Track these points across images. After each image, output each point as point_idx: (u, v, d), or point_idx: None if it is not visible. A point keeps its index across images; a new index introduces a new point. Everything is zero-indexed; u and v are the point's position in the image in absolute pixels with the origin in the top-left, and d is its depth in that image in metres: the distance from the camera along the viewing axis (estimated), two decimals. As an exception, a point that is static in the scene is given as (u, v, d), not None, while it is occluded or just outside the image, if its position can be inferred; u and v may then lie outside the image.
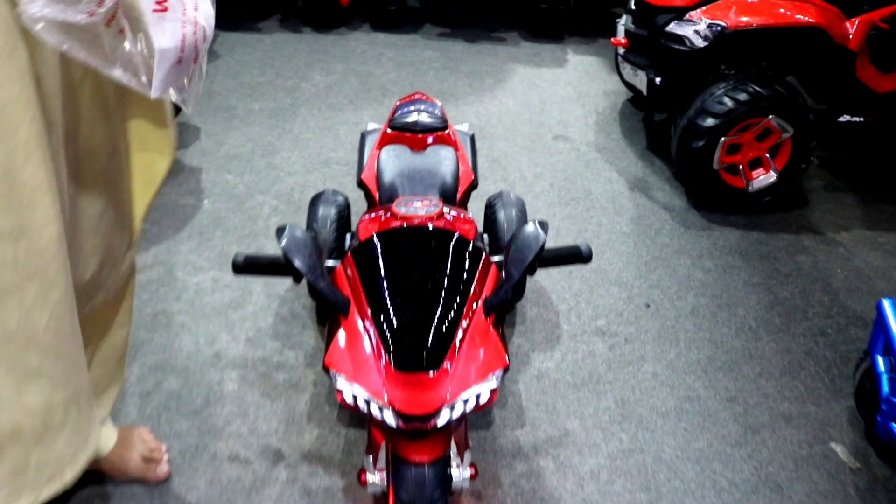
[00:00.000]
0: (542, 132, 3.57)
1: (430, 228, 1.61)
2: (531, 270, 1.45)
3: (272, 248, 2.68)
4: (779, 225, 2.96)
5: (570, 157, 3.37)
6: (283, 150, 3.32)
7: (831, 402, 2.22)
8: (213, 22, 0.98)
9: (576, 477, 1.97)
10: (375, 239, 1.54)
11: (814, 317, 2.53)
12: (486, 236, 2.14)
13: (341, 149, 3.34)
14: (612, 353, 2.34)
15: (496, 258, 1.60)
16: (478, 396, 1.42)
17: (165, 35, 0.87)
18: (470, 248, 1.54)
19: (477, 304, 1.46)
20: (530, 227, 1.45)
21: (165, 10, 0.86)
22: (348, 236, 2.10)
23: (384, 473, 1.53)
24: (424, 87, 3.94)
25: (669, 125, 3.31)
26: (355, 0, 4.62)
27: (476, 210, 2.62)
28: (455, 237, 1.56)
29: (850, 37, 2.76)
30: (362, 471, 1.56)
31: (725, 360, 2.34)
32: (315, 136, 3.44)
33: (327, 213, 2.10)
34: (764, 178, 2.94)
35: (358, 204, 2.51)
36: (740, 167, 2.92)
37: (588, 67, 4.29)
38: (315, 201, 2.15)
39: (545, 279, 2.61)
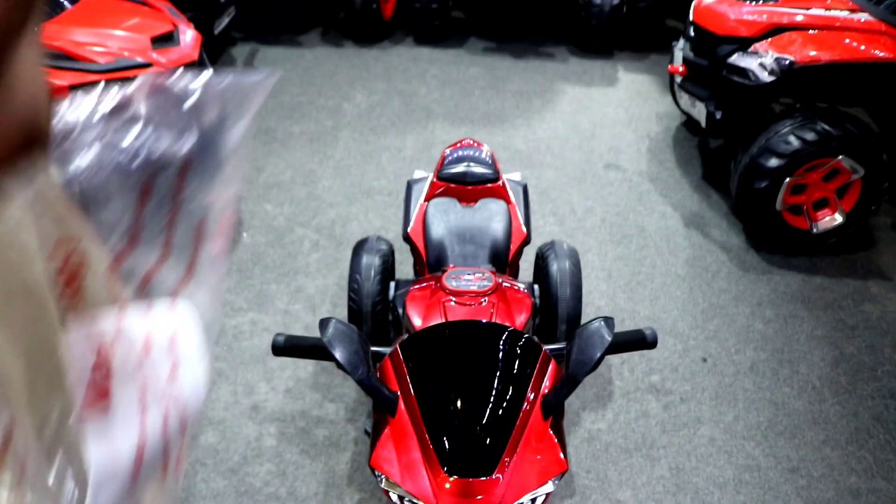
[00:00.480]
0: (592, 160, 3.43)
1: (484, 323, 1.51)
2: (595, 369, 1.35)
3: (312, 288, 2.60)
4: (844, 269, 2.80)
5: (622, 188, 3.24)
6: (325, 178, 3.24)
7: (903, 477, 2.08)
8: (202, 390, 0.55)
9: (628, 556, 1.87)
10: (425, 334, 1.45)
11: (883, 376, 2.37)
12: (536, 287, 2.04)
13: (383, 177, 3.25)
14: (667, 414, 2.22)
15: (552, 347, 1.49)
16: (533, 501, 1.32)
17: (107, 444, 0.47)
18: (526, 343, 1.43)
19: (534, 404, 1.36)
20: (595, 326, 1.35)
21: (105, 409, 0.46)
22: (392, 285, 2.02)
23: None
24: (470, 108, 3.83)
25: (726, 153, 3.16)
26: (398, 13, 4.52)
27: (527, 256, 2.51)
28: (509, 332, 1.45)
29: (929, 73, 2.58)
30: None
31: (787, 425, 2.20)
32: (357, 162, 3.35)
33: (371, 261, 2.01)
34: (830, 219, 2.78)
35: (402, 252, 2.42)
36: (805, 208, 2.76)
37: (639, 87, 4.13)
38: (358, 250, 2.07)
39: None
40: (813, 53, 2.60)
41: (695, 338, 2.49)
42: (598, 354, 1.33)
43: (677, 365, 2.38)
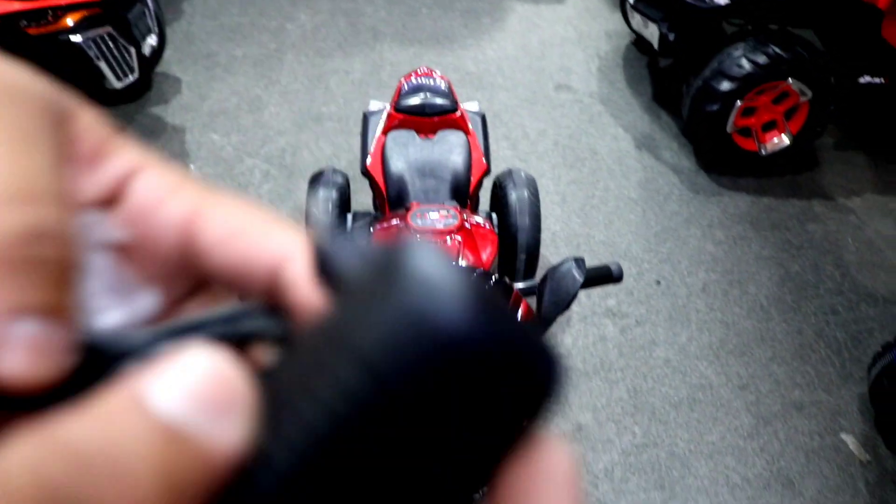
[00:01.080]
0: (543, 81, 3.40)
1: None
2: (567, 309, 1.37)
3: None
4: (790, 189, 2.88)
5: (573, 110, 3.23)
6: (271, 104, 3.13)
7: (842, 389, 2.20)
8: None
9: (590, 475, 1.95)
10: None
11: (825, 293, 2.48)
12: (494, 216, 2.04)
13: (332, 103, 3.16)
14: (624, 337, 2.29)
15: (521, 286, 1.51)
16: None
17: None
18: (496, 285, 1.44)
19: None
20: (567, 267, 1.36)
21: None
22: (349, 217, 2.00)
23: None
24: (418, 28, 3.72)
25: (675, 73, 3.16)
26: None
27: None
28: (478, 274, 1.46)
29: (878, -6, 2.61)
30: None
31: (737, 344, 2.30)
32: (304, 87, 3.25)
33: (328, 195, 1.98)
34: (778, 141, 2.83)
35: (357, 182, 2.38)
36: (754, 130, 2.80)
37: (588, 4, 4.07)
38: (314, 184, 2.03)
39: (553, 256, 2.53)
40: (766, -26, 2.59)
41: (648, 261, 2.54)
42: (571, 295, 1.35)
43: (632, 288, 2.44)
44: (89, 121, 0.23)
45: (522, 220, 1.97)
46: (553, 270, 1.37)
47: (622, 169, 2.93)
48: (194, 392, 0.17)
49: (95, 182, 0.23)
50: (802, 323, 2.38)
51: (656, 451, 2.01)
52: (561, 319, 2.31)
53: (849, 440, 2.08)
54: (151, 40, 2.91)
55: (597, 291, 2.42)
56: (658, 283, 2.47)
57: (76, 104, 0.23)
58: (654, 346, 2.27)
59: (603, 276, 1.51)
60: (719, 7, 2.64)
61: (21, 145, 0.21)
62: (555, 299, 1.33)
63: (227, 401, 0.18)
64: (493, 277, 1.46)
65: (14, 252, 0.19)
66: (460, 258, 1.59)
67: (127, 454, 0.17)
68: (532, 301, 1.46)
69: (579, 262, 1.37)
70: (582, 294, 2.40)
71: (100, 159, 0.24)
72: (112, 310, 0.23)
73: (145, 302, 0.24)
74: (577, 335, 2.28)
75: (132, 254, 0.24)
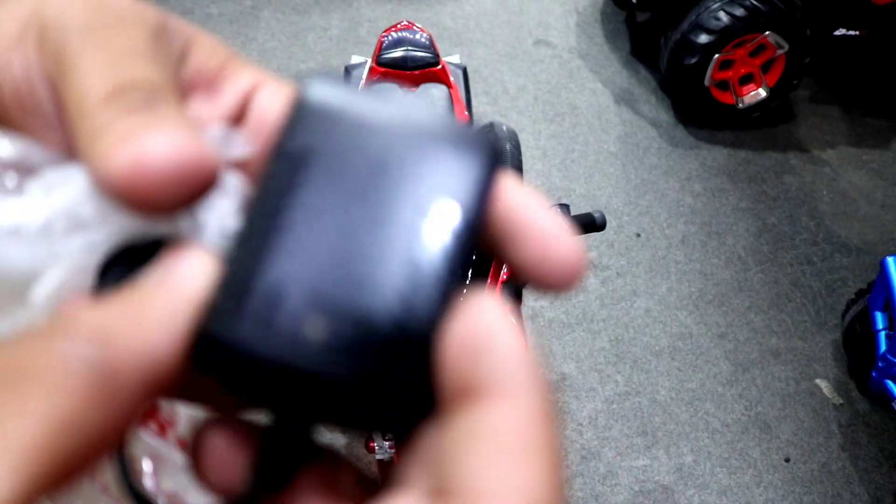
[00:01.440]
0: (522, 36, 3.38)
1: None
2: None
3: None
4: (766, 142, 2.92)
5: (552, 65, 3.22)
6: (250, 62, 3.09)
7: (816, 336, 2.26)
8: None
9: (575, 423, 2.00)
10: None
11: (800, 244, 2.53)
12: None
13: (311, 60, 3.12)
14: (605, 288, 2.33)
15: None
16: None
17: None
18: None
19: (494, 291, 1.40)
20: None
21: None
22: None
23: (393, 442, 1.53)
24: (394, -19, 3.66)
25: (652, 27, 3.16)
26: None
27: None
28: None
29: (854, -55, 2.62)
30: (370, 439, 1.56)
31: (716, 294, 2.35)
32: (282, 44, 3.21)
33: None
34: (755, 94, 2.86)
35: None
36: (731, 83, 2.82)
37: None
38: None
39: (535, 210, 2.54)
40: (745, -75, 2.58)
41: (628, 213, 2.57)
42: None
43: (613, 241, 2.47)
44: (208, 45, 0.24)
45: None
46: None
47: (601, 123, 2.94)
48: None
49: (219, 104, 0.24)
50: (779, 273, 2.43)
51: (638, 399, 2.07)
52: (543, 273, 2.35)
53: (823, 385, 2.15)
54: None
55: (578, 245, 2.45)
56: (638, 235, 2.51)
57: (194, 30, 0.24)
58: (634, 296, 2.31)
59: (587, 224, 1.53)
60: (698, -41, 2.64)
61: (140, 56, 0.22)
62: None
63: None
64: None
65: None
66: None
67: None
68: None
69: (564, 207, 1.39)
70: (564, 248, 2.43)
71: (221, 81, 0.24)
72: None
73: None
74: (559, 288, 2.32)
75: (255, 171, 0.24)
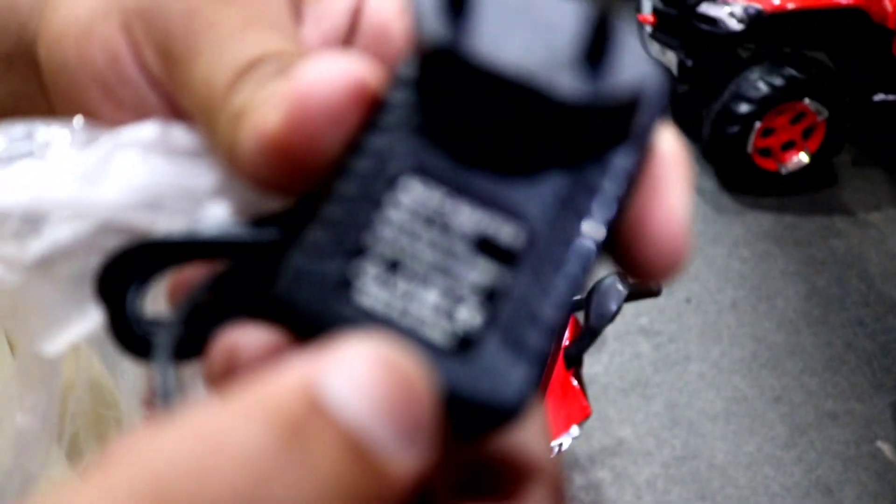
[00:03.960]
0: (564, 110, 3.51)
1: None
2: (612, 320, 1.46)
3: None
4: (810, 206, 2.96)
5: (595, 137, 3.33)
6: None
7: (874, 398, 2.26)
8: None
9: (633, 487, 2.02)
10: None
11: (851, 306, 2.55)
12: None
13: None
14: (658, 354, 2.36)
15: None
16: (560, 445, 1.44)
17: None
18: None
19: (556, 356, 1.47)
20: (611, 280, 1.45)
21: None
22: None
23: None
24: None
25: (694, 98, 3.26)
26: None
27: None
28: None
29: (889, 15, 2.71)
30: None
31: (769, 357, 2.37)
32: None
33: None
34: (797, 160, 2.92)
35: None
36: (773, 150, 2.89)
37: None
38: None
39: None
40: (778, 2, 2.70)
41: (677, 280, 2.61)
42: (616, 307, 1.44)
43: (664, 307, 2.52)
44: None
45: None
46: (598, 285, 1.46)
47: (646, 192, 3.01)
48: (382, 398, 0.14)
49: (330, 19, 0.23)
50: (831, 335, 2.45)
51: (696, 463, 2.08)
52: (597, 340, 2.39)
53: (885, 447, 2.14)
54: None
55: (630, 312, 2.49)
56: (688, 301, 2.55)
57: None
58: (687, 361, 2.34)
59: (644, 290, 1.60)
60: (735, 33, 2.74)
61: (256, 21, 0.21)
62: (601, 311, 1.42)
63: (415, 417, 0.15)
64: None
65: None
66: None
67: (309, 477, 0.14)
68: (579, 315, 1.55)
69: (622, 276, 1.46)
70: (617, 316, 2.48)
71: None
72: None
73: None
74: (612, 353, 2.36)
75: None
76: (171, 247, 0.21)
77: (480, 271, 0.18)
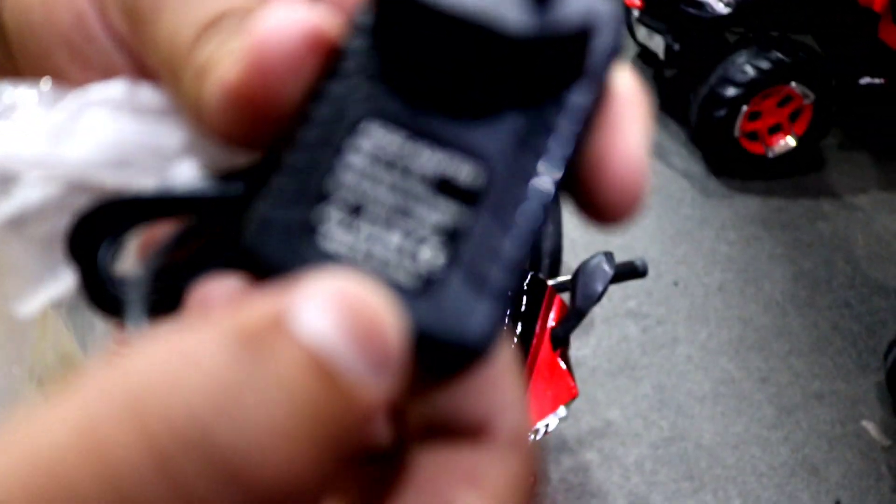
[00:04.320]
0: (553, 95, 3.51)
1: None
2: (598, 301, 1.46)
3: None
4: (797, 189, 2.97)
5: (583, 122, 3.33)
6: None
7: (860, 378, 2.28)
8: None
9: (621, 469, 2.03)
10: None
11: (838, 288, 2.57)
12: None
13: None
14: (646, 336, 2.37)
15: (554, 282, 1.60)
16: (546, 426, 1.45)
17: None
18: (532, 282, 1.54)
19: (542, 338, 1.47)
20: (597, 261, 1.45)
21: None
22: None
23: None
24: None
25: (681, 83, 3.26)
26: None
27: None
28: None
29: (874, -2, 2.72)
30: None
31: (756, 339, 2.38)
32: None
33: None
34: (784, 143, 2.93)
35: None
36: (760, 134, 2.90)
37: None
38: None
39: (573, 260, 2.62)
40: (766, -17, 2.70)
41: (665, 263, 2.63)
42: (602, 287, 1.44)
43: (651, 290, 2.53)
44: None
45: (546, 227, 2.07)
46: (584, 265, 1.46)
47: (634, 176, 3.02)
48: (348, 325, 0.15)
49: None
50: (817, 317, 2.46)
51: (684, 444, 2.09)
52: (584, 322, 2.40)
53: (869, 427, 2.16)
54: None
55: (617, 294, 2.50)
56: (676, 284, 2.56)
57: None
58: (675, 343, 2.36)
59: (630, 271, 1.61)
60: (721, 16, 2.75)
61: None
62: (587, 292, 1.42)
63: (381, 345, 0.15)
64: (529, 275, 1.55)
65: None
66: None
67: (273, 388, 0.14)
68: (565, 296, 1.55)
69: (608, 255, 1.47)
70: (603, 297, 2.49)
71: None
72: None
73: None
74: (600, 336, 2.37)
75: None
76: (141, 204, 0.21)
77: (441, 212, 0.18)
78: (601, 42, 0.19)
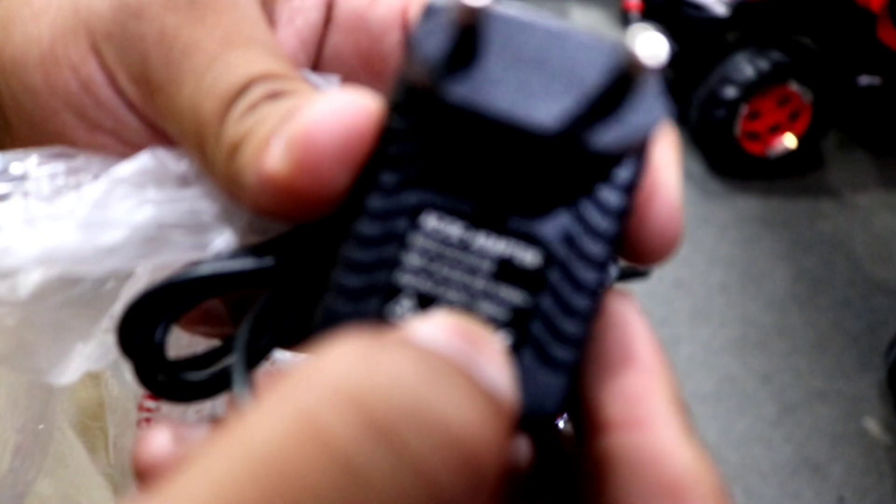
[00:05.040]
0: (553, 97, 3.52)
1: None
2: None
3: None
4: (797, 189, 2.99)
5: (584, 123, 3.34)
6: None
7: (861, 376, 2.29)
8: None
9: (626, 468, 2.04)
10: None
11: (839, 286, 2.58)
12: None
13: None
14: (648, 337, 2.38)
15: None
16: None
17: None
18: None
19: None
20: None
21: None
22: None
23: None
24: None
25: (680, 84, 3.28)
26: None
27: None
28: None
29: (872, -1, 2.73)
30: None
31: (758, 338, 2.40)
32: None
33: None
34: (783, 143, 2.94)
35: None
36: (760, 134, 2.91)
37: (592, 22, 4.20)
38: None
39: (575, 262, 2.63)
40: (764, -15, 2.71)
41: (667, 263, 2.63)
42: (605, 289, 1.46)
43: (654, 290, 2.54)
44: None
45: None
46: None
47: (635, 177, 3.03)
48: (465, 338, 0.16)
49: (305, 9, 0.23)
50: (819, 315, 2.48)
51: (687, 443, 2.10)
52: (587, 322, 2.42)
53: (871, 425, 2.17)
54: None
55: (619, 294, 2.52)
56: (678, 284, 2.57)
57: None
58: (678, 343, 2.37)
59: (632, 272, 1.62)
60: (720, 19, 2.76)
61: (239, 38, 0.20)
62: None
63: (492, 349, 0.17)
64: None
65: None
66: None
67: (450, 418, 0.15)
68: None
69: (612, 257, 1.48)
70: (605, 298, 2.51)
71: None
72: None
73: None
74: (603, 337, 2.38)
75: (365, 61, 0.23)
76: (188, 287, 0.21)
77: (509, 298, 0.20)
78: (655, 124, 0.20)
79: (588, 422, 0.21)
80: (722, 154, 2.96)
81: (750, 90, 2.76)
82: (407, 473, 0.14)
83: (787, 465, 2.07)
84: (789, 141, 2.93)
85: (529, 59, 0.19)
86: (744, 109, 2.79)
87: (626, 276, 1.64)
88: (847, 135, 3.26)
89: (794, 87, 2.78)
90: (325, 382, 0.15)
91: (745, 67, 2.74)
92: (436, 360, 0.15)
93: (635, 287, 2.09)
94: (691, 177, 3.03)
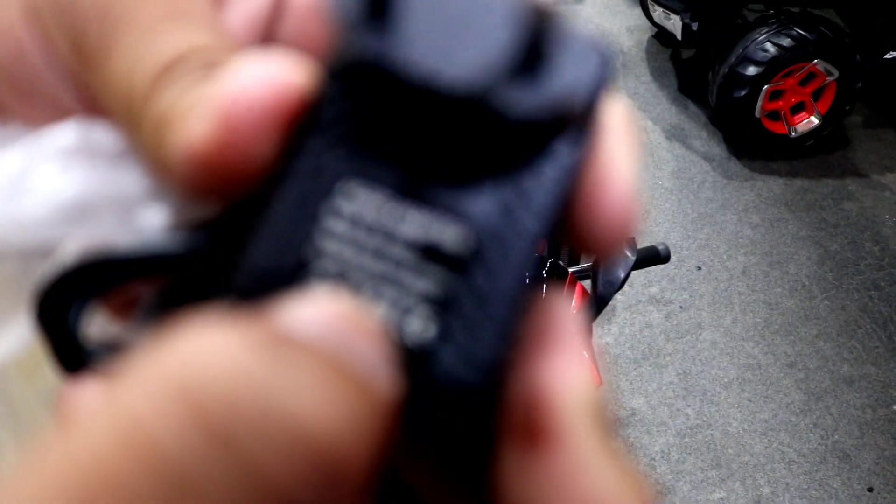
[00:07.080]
0: (568, 79, 3.45)
1: None
2: (621, 288, 1.43)
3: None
4: (822, 169, 2.91)
5: (601, 106, 3.28)
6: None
7: (890, 361, 2.23)
8: None
9: (647, 458, 2.00)
10: None
11: (865, 269, 2.51)
12: None
13: None
14: (669, 323, 2.33)
15: (574, 269, 1.56)
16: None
17: None
18: (552, 268, 1.50)
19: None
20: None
21: None
22: None
23: None
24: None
25: (699, 63, 3.20)
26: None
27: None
28: (537, 258, 1.52)
29: (898, -30, 2.64)
30: None
31: (782, 323, 2.33)
32: None
33: None
34: (807, 122, 2.86)
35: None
36: (782, 113, 2.83)
37: (608, 0, 4.12)
38: None
39: (593, 247, 2.58)
40: (786, -42, 2.63)
41: (687, 248, 2.58)
42: (623, 274, 1.41)
43: (674, 275, 2.48)
44: None
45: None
46: None
47: (654, 160, 2.97)
48: (341, 324, 0.15)
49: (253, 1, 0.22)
50: (845, 299, 2.41)
51: (710, 432, 2.05)
52: (606, 309, 2.36)
53: (901, 411, 2.11)
54: None
55: (639, 281, 2.46)
56: (699, 268, 2.51)
57: None
58: (699, 329, 2.31)
59: (652, 257, 1.57)
60: (741, -6, 2.68)
61: (174, 17, 0.20)
62: (609, 279, 1.39)
63: (371, 335, 0.16)
64: (548, 262, 1.52)
65: None
66: None
67: (303, 400, 0.14)
68: (586, 284, 1.52)
69: (630, 242, 1.43)
70: (625, 284, 2.45)
71: None
72: None
73: None
74: (623, 323, 2.33)
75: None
76: (111, 267, 0.20)
77: (428, 279, 0.17)
78: (591, 96, 0.18)
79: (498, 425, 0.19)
80: (743, 135, 2.89)
81: (772, 69, 2.68)
82: (240, 477, 0.13)
83: (814, 453, 2.01)
84: (813, 120, 2.85)
85: (449, 18, 0.18)
86: (766, 88, 2.71)
87: (644, 261, 1.59)
88: (874, 111, 3.17)
89: (818, 64, 2.70)
90: (157, 377, 0.14)
91: (767, 45, 2.66)
92: (289, 349, 0.14)
93: (654, 272, 2.03)
94: (711, 159, 2.96)
